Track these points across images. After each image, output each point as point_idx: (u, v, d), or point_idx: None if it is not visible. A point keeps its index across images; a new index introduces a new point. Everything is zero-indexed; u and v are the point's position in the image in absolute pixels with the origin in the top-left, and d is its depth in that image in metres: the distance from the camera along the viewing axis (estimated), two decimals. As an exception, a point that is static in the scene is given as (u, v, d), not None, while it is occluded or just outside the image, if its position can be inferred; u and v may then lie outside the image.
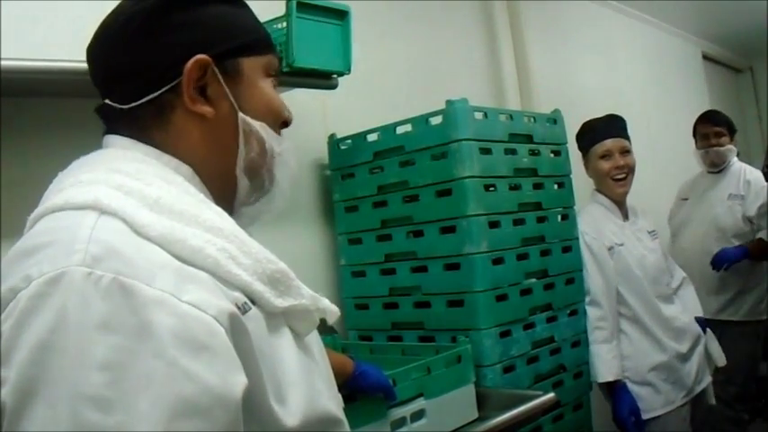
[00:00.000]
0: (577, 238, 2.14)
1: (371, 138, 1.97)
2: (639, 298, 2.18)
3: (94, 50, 0.80)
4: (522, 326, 1.86)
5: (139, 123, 0.76)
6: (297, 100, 1.85)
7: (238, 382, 0.61)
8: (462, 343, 1.66)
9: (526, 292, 1.90)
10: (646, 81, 4.07)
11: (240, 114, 0.78)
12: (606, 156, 2.26)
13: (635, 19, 4.11)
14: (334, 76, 1.80)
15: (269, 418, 0.65)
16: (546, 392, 1.69)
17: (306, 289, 0.74)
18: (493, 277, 1.79)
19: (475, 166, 1.78)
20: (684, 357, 2.19)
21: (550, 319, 1.97)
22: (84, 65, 1.40)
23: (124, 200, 0.65)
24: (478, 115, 1.85)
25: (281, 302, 0.70)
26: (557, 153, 2.11)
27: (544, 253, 1.99)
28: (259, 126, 0.79)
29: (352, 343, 1.91)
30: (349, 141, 2.03)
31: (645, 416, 2.12)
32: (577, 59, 3.48)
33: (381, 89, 2.33)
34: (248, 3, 1.87)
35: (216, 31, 0.77)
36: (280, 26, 1.59)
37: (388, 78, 2.38)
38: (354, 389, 1.34)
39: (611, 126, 2.31)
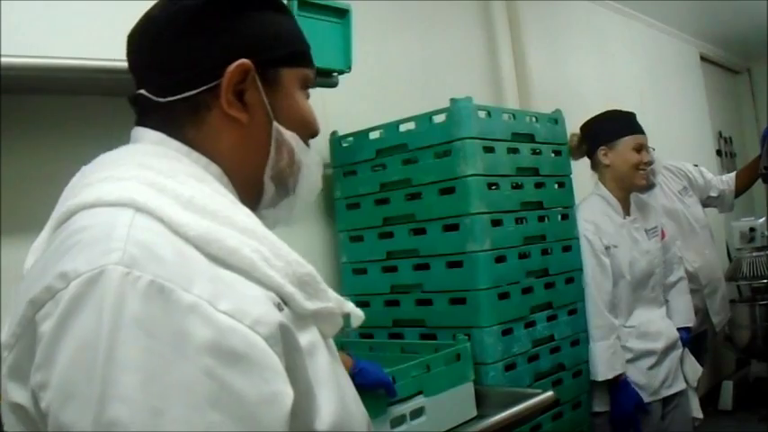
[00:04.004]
0: (577, 238, 2.14)
1: (374, 135, 1.97)
2: (617, 301, 2.18)
3: (137, 38, 0.79)
4: (523, 324, 1.86)
5: (173, 118, 0.75)
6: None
7: (280, 392, 0.60)
8: (461, 341, 1.66)
9: (527, 290, 1.90)
10: (643, 82, 4.07)
11: (274, 123, 0.78)
12: (638, 148, 2.23)
13: (633, 19, 4.12)
14: (335, 74, 1.80)
15: (305, 419, 0.65)
16: (545, 391, 1.69)
17: (332, 292, 0.74)
18: (495, 275, 1.79)
19: (478, 164, 1.78)
20: (653, 359, 2.18)
21: (550, 318, 1.98)
22: (85, 62, 1.41)
23: (159, 198, 0.65)
24: (482, 114, 1.86)
25: (310, 305, 0.70)
26: (557, 153, 2.11)
27: (545, 252, 2.00)
28: (291, 136, 0.79)
29: (351, 341, 1.91)
30: (351, 139, 2.03)
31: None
32: (575, 59, 3.49)
33: (380, 87, 2.34)
34: None
35: (261, 39, 0.77)
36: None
37: (388, 77, 2.39)
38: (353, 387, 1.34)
39: (637, 121, 2.30)
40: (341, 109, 2.14)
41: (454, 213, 1.79)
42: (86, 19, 1.58)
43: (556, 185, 2.10)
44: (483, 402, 1.65)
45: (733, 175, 3.11)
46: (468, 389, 1.63)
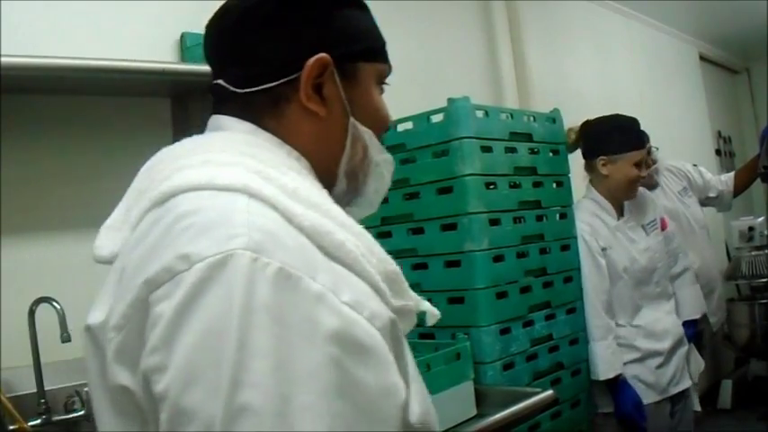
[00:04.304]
0: (575, 237, 2.15)
1: (372, 135, 1.98)
2: (618, 303, 2.18)
3: (216, 28, 0.79)
4: (521, 323, 1.87)
5: (253, 109, 0.75)
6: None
7: (396, 384, 0.60)
8: (461, 340, 1.67)
9: (525, 289, 1.91)
10: (643, 81, 4.08)
11: (351, 119, 0.78)
12: (639, 164, 2.18)
13: (633, 19, 4.13)
14: (335, 73, 1.80)
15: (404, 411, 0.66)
16: (545, 390, 1.70)
17: (411, 291, 0.75)
18: (493, 275, 1.80)
19: (476, 163, 1.79)
20: (661, 357, 2.18)
21: (549, 317, 1.98)
22: (85, 62, 1.42)
23: (268, 187, 0.64)
24: (479, 113, 1.86)
25: (395, 302, 0.70)
26: (555, 152, 2.12)
27: (543, 251, 2.00)
28: (366, 132, 0.79)
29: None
30: (349, 138, 2.03)
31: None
32: (575, 59, 3.50)
33: (380, 87, 2.34)
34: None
35: (341, 33, 0.77)
36: (282, 23, 1.59)
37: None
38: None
39: (642, 132, 2.24)
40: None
41: (452, 213, 1.80)
42: (86, 19, 1.58)
43: (554, 185, 2.10)
44: (482, 401, 1.66)
45: (732, 174, 3.12)
46: (467, 388, 1.63)
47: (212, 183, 0.63)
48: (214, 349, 0.54)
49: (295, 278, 0.57)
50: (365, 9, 0.81)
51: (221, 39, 0.78)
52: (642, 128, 2.30)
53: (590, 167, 2.28)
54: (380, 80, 0.82)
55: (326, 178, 0.78)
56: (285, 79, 0.74)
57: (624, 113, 2.40)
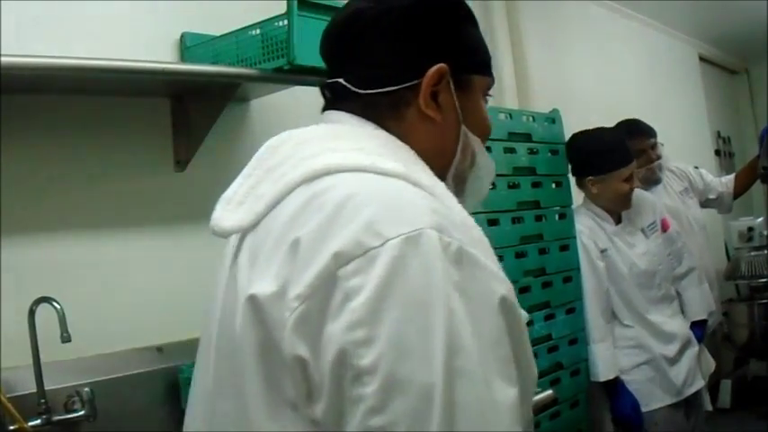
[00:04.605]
0: (574, 237, 2.15)
1: (371, 135, 1.98)
2: (626, 304, 2.18)
3: (340, 30, 0.83)
4: (520, 323, 1.87)
5: (374, 110, 0.79)
6: (297, 97, 1.86)
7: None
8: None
9: (525, 290, 1.91)
10: (642, 82, 4.08)
11: (463, 126, 0.83)
12: (628, 178, 2.17)
13: (632, 20, 4.13)
14: (334, 74, 1.80)
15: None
16: (544, 389, 1.70)
17: None
18: (492, 275, 1.80)
19: (475, 164, 1.79)
20: (671, 360, 2.18)
21: (548, 317, 1.99)
22: (85, 62, 1.42)
23: (424, 177, 0.71)
24: (478, 114, 1.86)
25: None
26: (554, 152, 2.12)
27: (542, 251, 2.01)
28: (475, 140, 0.85)
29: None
30: (349, 139, 2.03)
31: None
32: (574, 59, 3.50)
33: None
34: (248, 0, 1.86)
35: (460, 46, 0.83)
36: (281, 24, 1.59)
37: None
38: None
39: (627, 145, 2.23)
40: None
41: (452, 213, 1.80)
42: (86, 19, 1.58)
43: (553, 185, 2.11)
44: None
45: (732, 176, 3.12)
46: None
47: (375, 166, 0.68)
48: (422, 320, 0.58)
49: (473, 257, 0.63)
50: (477, 26, 0.89)
51: (345, 40, 0.82)
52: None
53: (580, 184, 2.27)
54: (485, 92, 0.88)
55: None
56: (407, 84, 0.78)
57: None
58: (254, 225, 0.70)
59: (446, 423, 0.56)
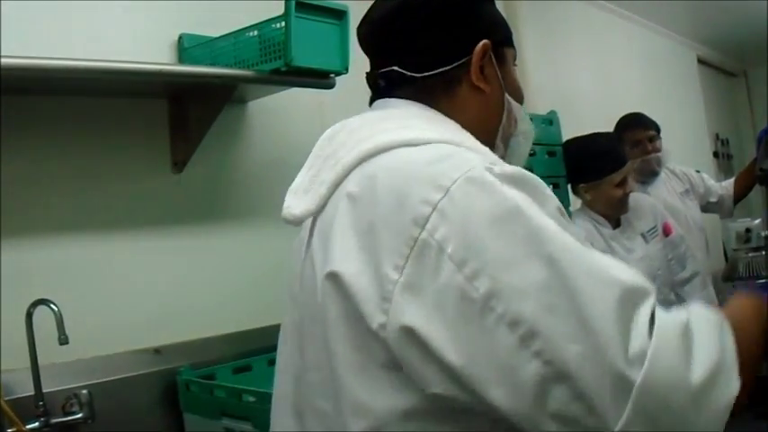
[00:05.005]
0: (573, 238, 2.14)
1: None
2: None
3: (387, 22, 0.90)
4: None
5: (429, 92, 0.87)
6: (294, 99, 1.86)
7: None
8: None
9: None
10: (641, 84, 4.09)
11: (506, 94, 0.92)
12: (621, 182, 2.16)
13: (631, 22, 4.14)
14: (332, 75, 1.80)
15: None
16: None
17: None
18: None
19: (472, 165, 1.79)
20: None
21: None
22: (85, 62, 1.42)
23: (468, 141, 0.79)
24: (476, 115, 1.86)
25: None
26: (552, 154, 2.12)
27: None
28: (515, 105, 0.93)
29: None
30: (347, 141, 2.03)
31: None
32: (573, 61, 3.50)
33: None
34: (247, 1, 1.87)
35: (492, 23, 0.92)
36: (278, 26, 1.59)
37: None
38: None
39: (618, 149, 2.22)
40: (338, 110, 2.13)
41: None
42: (85, 20, 1.59)
43: (550, 187, 2.10)
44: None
45: (732, 180, 3.12)
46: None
47: (420, 138, 0.76)
48: (512, 234, 0.65)
49: (524, 175, 0.71)
50: (494, 3, 0.96)
51: (397, 29, 0.89)
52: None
53: (575, 191, 2.28)
54: (514, 62, 0.96)
55: (487, 147, 0.88)
56: (458, 63, 0.86)
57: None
58: (321, 208, 0.78)
59: (571, 299, 0.62)
